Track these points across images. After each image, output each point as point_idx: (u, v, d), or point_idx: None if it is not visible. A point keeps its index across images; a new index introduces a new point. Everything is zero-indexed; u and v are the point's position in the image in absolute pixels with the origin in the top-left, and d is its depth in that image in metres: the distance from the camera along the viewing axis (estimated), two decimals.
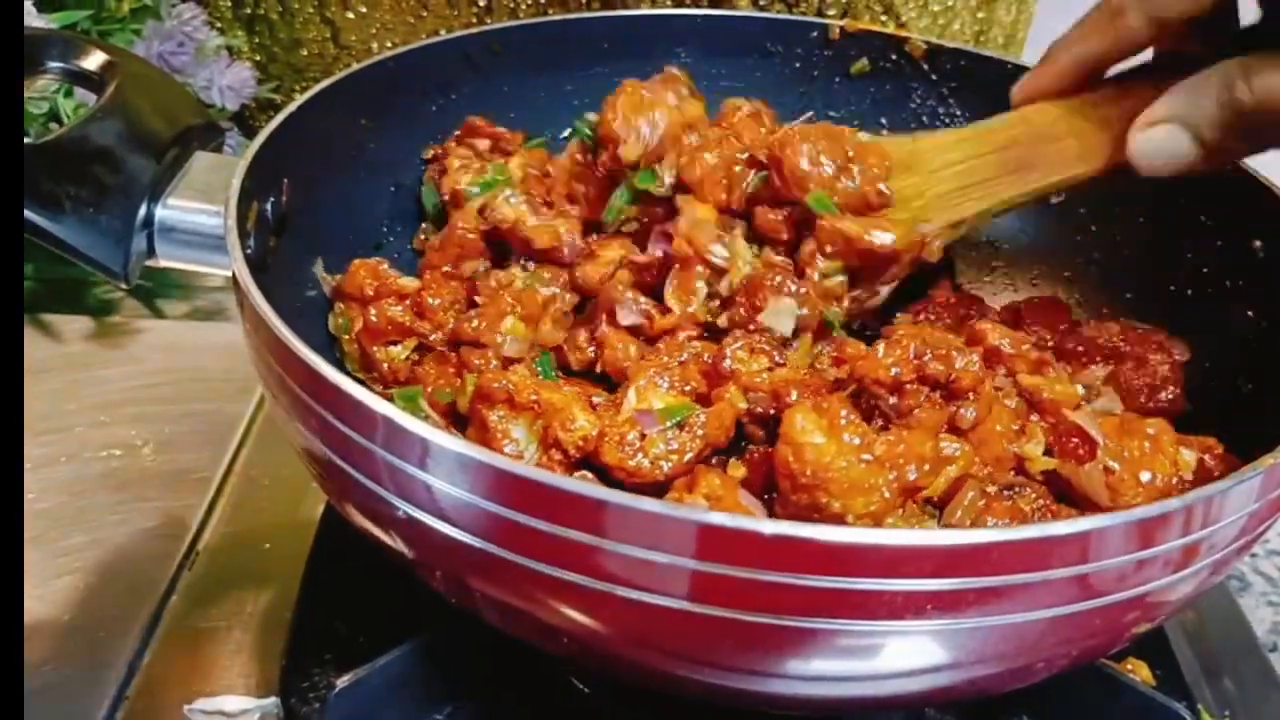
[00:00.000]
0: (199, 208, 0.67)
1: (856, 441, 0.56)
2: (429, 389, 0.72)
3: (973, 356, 0.62)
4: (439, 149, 0.88)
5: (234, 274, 0.59)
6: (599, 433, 0.63)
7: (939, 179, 0.69)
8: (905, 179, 0.70)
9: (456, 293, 0.76)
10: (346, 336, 0.76)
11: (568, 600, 0.50)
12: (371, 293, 0.75)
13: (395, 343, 0.75)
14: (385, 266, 0.76)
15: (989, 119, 0.72)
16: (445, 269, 0.78)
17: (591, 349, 0.72)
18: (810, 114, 0.90)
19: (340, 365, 0.76)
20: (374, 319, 0.74)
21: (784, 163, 0.69)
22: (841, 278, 0.69)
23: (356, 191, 0.82)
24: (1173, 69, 0.62)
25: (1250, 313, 0.72)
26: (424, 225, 0.86)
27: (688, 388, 0.66)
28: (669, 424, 0.63)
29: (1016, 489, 0.63)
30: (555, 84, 0.92)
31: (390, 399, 0.73)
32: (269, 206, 0.70)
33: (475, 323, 0.73)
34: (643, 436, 0.63)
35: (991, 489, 0.62)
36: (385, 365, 0.75)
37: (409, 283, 0.76)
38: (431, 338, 0.75)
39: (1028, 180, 0.68)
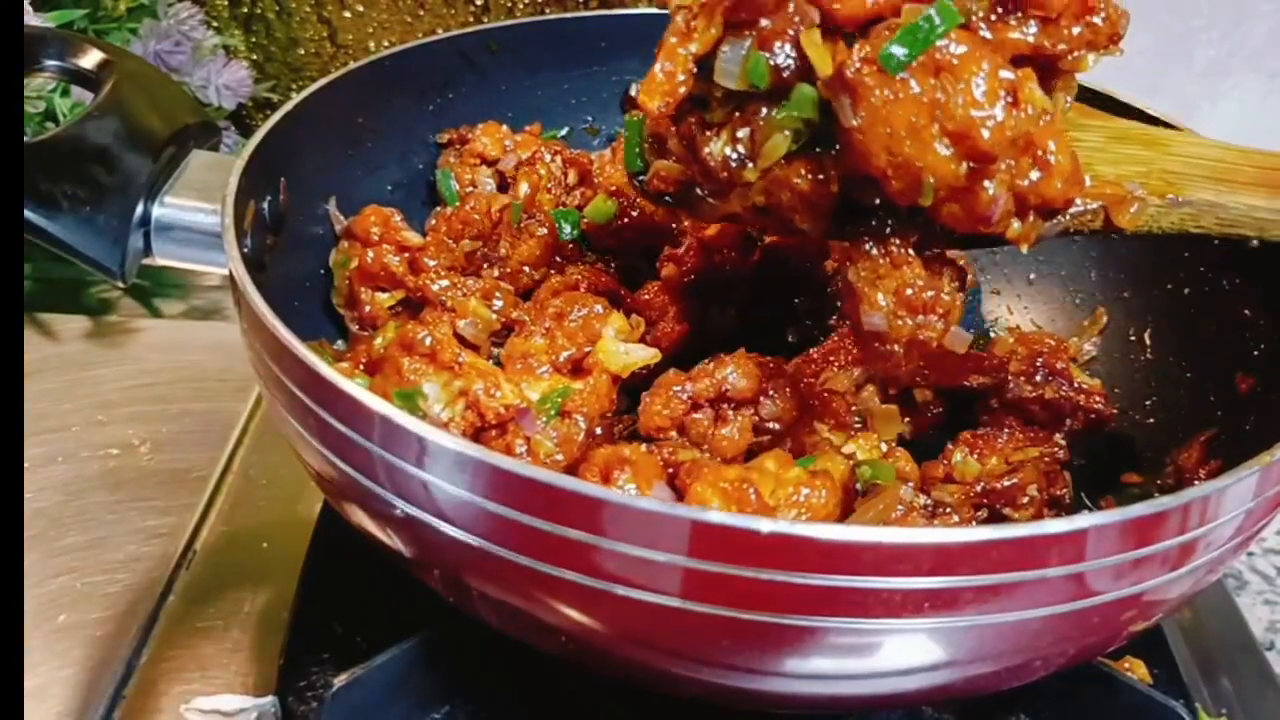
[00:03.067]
0: (196, 206, 0.67)
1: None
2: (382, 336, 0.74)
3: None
4: (454, 133, 0.88)
5: (231, 273, 0.59)
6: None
7: (1176, 159, 0.59)
8: (1138, 149, 0.61)
9: (455, 260, 0.77)
10: (343, 273, 0.78)
11: (565, 599, 0.50)
12: (376, 237, 0.77)
13: (383, 290, 0.78)
14: (397, 218, 0.78)
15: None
16: (448, 240, 0.80)
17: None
18: None
19: (328, 298, 0.79)
20: (369, 261, 0.76)
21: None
22: None
23: (354, 190, 0.81)
24: None
25: (1248, 311, 0.72)
26: (437, 209, 0.86)
27: (564, 357, 0.68)
28: (549, 417, 0.65)
29: (941, 509, 0.64)
30: (553, 82, 0.92)
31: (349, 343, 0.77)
32: (266, 205, 0.70)
33: (452, 289, 0.75)
34: (528, 440, 0.64)
35: (919, 502, 0.65)
36: (367, 307, 0.77)
37: (413, 237, 0.78)
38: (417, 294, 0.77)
39: None
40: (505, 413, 0.65)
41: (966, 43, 0.52)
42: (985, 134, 0.51)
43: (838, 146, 0.55)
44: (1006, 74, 0.51)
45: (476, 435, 0.65)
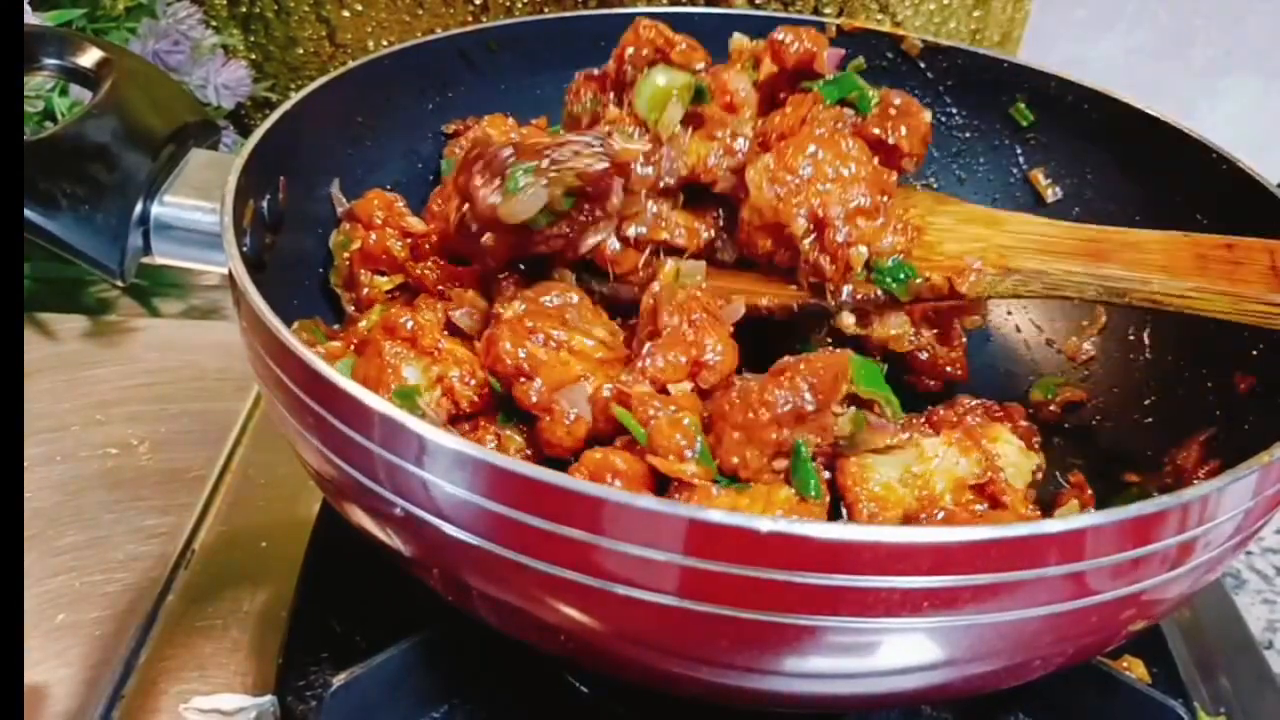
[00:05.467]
0: (195, 205, 0.67)
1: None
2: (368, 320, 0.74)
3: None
4: (461, 124, 0.88)
5: (230, 272, 0.59)
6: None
7: (1011, 235, 0.69)
8: (980, 228, 0.70)
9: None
10: (344, 254, 0.78)
11: (564, 598, 0.50)
12: (379, 221, 0.77)
13: (383, 273, 0.78)
14: (401, 204, 0.78)
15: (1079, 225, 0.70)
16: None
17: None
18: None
19: (326, 297, 0.79)
20: (371, 243, 0.76)
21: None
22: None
23: (354, 189, 0.81)
24: None
25: None
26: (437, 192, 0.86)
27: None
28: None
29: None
30: (553, 82, 0.92)
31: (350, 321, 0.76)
32: (265, 204, 0.70)
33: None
34: (499, 436, 0.65)
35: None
36: (365, 289, 0.77)
37: (415, 223, 0.78)
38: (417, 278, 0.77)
39: (1099, 267, 0.65)
40: (478, 401, 0.65)
41: None
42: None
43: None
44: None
45: (451, 424, 0.65)
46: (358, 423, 0.51)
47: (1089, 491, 0.73)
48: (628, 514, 0.46)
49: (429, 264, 0.76)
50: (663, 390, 0.63)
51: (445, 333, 0.69)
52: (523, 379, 0.63)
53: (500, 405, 0.66)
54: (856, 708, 0.66)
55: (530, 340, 0.63)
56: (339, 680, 0.62)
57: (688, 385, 0.64)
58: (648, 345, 0.64)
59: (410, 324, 0.66)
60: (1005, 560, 0.46)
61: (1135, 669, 0.70)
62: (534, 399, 0.62)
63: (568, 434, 0.62)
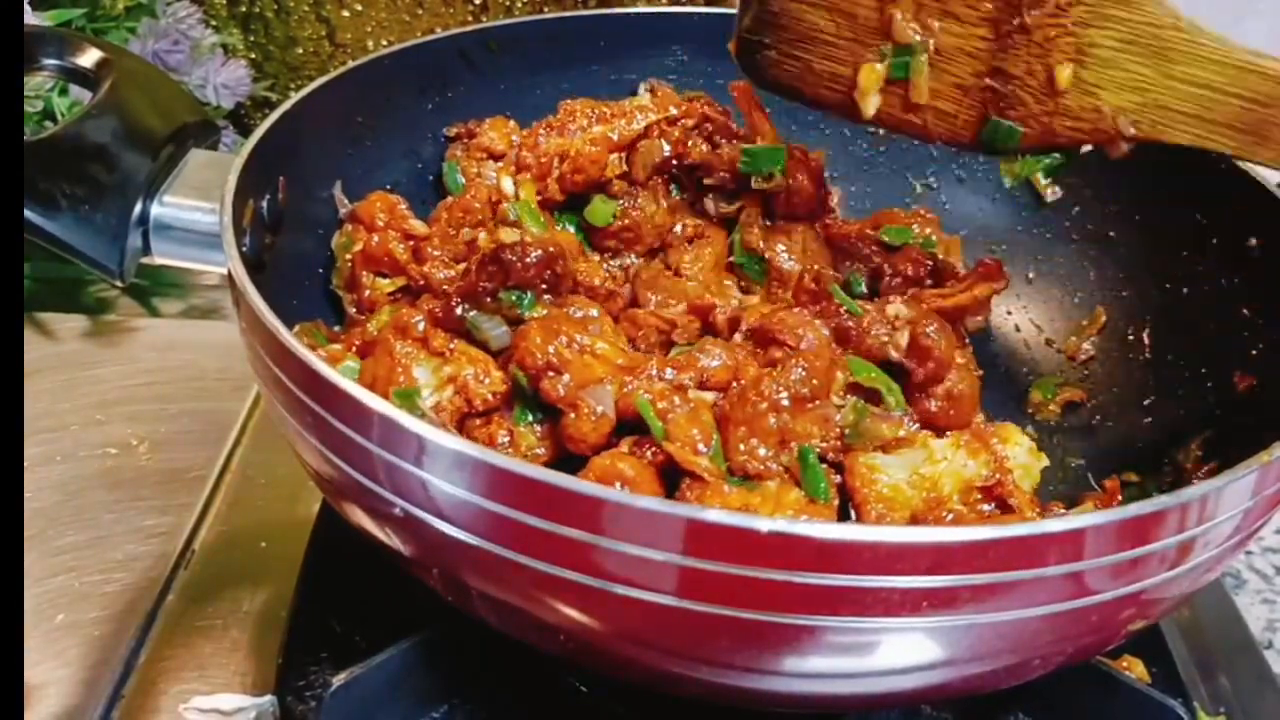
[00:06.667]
0: (195, 205, 0.67)
1: None
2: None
3: None
4: (462, 127, 0.88)
5: (229, 271, 0.59)
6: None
7: (1173, 90, 0.64)
8: (1143, 65, 0.65)
9: (458, 251, 0.78)
10: (346, 255, 0.78)
11: (564, 598, 0.50)
12: (381, 223, 0.77)
13: (385, 275, 0.78)
14: (403, 206, 0.78)
15: (1260, 55, 0.63)
16: (450, 230, 0.80)
17: None
18: None
19: (326, 297, 0.79)
20: (374, 245, 0.76)
21: None
22: None
23: (354, 189, 0.82)
24: None
25: (1246, 310, 0.72)
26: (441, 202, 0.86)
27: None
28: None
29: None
30: (553, 82, 0.92)
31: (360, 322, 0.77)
32: (265, 204, 0.70)
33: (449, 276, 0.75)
34: (511, 432, 0.65)
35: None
36: (367, 290, 0.77)
37: (418, 225, 0.78)
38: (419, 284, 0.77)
39: (1255, 151, 0.63)
40: (493, 400, 0.65)
41: None
42: None
43: None
44: None
45: (462, 422, 0.66)
46: (357, 423, 0.51)
47: (1120, 498, 0.72)
48: (627, 514, 0.46)
49: (435, 265, 0.76)
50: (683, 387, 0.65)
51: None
52: (551, 373, 0.63)
53: (516, 402, 0.66)
54: (856, 708, 0.66)
55: (557, 340, 0.64)
56: (339, 680, 0.62)
57: (710, 395, 0.65)
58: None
59: (423, 325, 0.66)
60: (1004, 560, 0.46)
61: (1135, 669, 0.70)
62: (561, 393, 0.63)
63: (593, 429, 0.63)
